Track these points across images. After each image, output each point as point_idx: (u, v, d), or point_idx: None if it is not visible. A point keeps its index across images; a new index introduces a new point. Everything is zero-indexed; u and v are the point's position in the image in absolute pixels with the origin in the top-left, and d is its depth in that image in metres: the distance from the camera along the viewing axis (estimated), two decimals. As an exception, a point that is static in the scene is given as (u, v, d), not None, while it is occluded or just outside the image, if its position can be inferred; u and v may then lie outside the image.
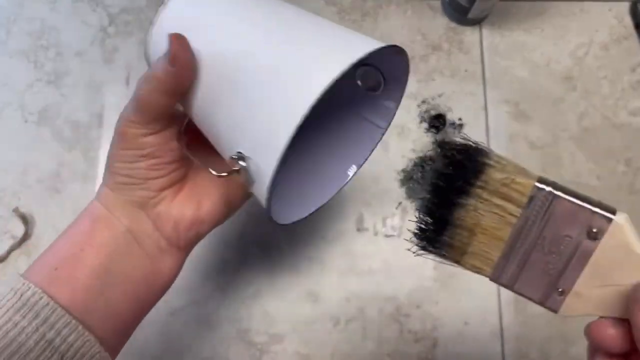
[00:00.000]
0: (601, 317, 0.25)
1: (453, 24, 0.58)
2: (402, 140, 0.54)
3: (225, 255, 0.52)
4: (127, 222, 0.33)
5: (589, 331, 0.25)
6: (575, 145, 0.54)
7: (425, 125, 0.55)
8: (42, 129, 0.55)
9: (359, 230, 0.52)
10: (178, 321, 0.50)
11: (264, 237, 0.52)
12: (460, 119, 0.55)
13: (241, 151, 0.30)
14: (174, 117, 0.33)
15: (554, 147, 0.54)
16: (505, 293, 0.51)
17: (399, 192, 0.53)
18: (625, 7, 0.58)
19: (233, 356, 0.49)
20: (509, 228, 0.24)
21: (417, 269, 0.51)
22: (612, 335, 0.24)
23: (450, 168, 0.24)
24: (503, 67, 0.56)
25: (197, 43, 0.31)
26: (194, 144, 0.34)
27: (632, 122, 0.55)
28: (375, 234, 0.52)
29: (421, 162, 0.54)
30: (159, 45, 0.32)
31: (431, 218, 0.26)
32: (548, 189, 0.24)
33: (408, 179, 0.53)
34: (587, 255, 0.23)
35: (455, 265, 0.26)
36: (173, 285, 0.51)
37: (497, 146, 0.54)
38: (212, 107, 0.31)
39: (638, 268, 0.23)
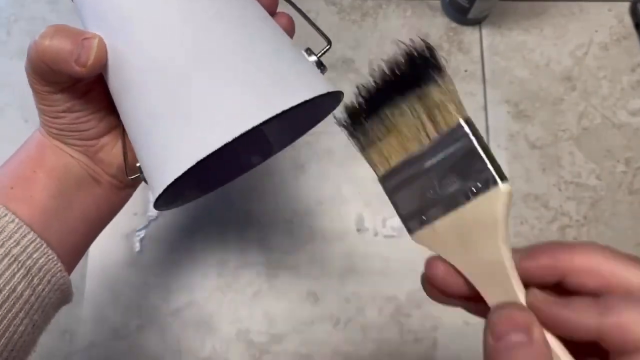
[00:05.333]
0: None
1: (453, 24, 0.58)
2: (402, 140, 0.54)
3: (225, 255, 0.52)
4: (77, 156, 0.32)
5: (432, 264, 0.26)
6: (575, 145, 0.54)
7: (425, 125, 0.55)
8: (42, 129, 0.55)
9: (359, 230, 0.52)
10: (178, 321, 0.50)
11: (264, 237, 0.52)
12: (460, 119, 0.55)
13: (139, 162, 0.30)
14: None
15: (554, 147, 0.54)
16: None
17: (399, 192, 0.53)
18: (625, 7, 0.58)
19: (233, 356, 0.49)
20: (417, 145, 0.25)
21: (417, 269, 0.51)
22: (445, 277, 0.25)
23: (404, 66, 0.25)
24: (503, 67, 0.56)
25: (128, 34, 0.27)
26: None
27: (632, 122, 0.55)
28: (376, 234, 0.52)
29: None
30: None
31: (366, 99, 0.27)
32: (467, 130, 0.24)
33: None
34: (458, 203, 0.24)
35: (358, 151, 0.27)
36: (173, 285, 0.52)
37: (497, 146, 0.54)
38: (121, 100, 0.29)
39: (492, 244, 0.23)
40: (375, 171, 0.27)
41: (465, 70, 0.56)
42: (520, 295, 0.22)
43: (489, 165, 0.23)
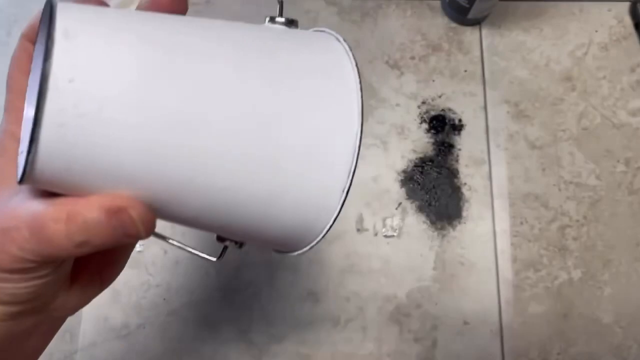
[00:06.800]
0: None
1: (453, 24, 0.58)
2: (402, 140, 0.54)
3: (225, 256, 0.52)
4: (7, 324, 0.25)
5: None
6: (575, 145, 0.54)
7: (425, 125, 0.55)
8: (42, 129, 0.55)
9: (359, 230, 0.52)
10: (178, 321, 0.50)
11: (264, 237, 0.52)
12: (460, 120, 0.55)
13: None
14: None
15: (554, 147, 0.54)
16: (505, 293, 0.51)
17: (399, 192, 0.53)
18: (624, 7, 0.58)
19: (233, 356, 0.50)
20: None
21: (417, 269, 0.51)
22: None
23: None
24: (503, 68, 0.56)
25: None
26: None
27: (632, 122, 0.55)
28: (375, 234, 0.52)
29: (421, 163, 0.54)
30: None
31: None
32: None
33: (408, 179, 0.53)
34: None
35: None
36: (173, 285, 0.52)
37: (497, 146, 0.54)
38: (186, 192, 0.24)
39: None
40: None
41: (465, 71, 0.56)
42: None
43: None
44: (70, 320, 0.50)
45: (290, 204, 0.25)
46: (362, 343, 0.50)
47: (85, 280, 0.28)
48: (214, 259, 0.30)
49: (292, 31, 0.27)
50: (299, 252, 0.28)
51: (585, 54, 0.57)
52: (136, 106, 0.21)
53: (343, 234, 0.52)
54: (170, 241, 0.30)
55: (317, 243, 0.27)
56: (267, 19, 0.27)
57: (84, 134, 0.20)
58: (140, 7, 0.26)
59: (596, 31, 0.58)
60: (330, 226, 0.26)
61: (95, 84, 0.20)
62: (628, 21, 0.58)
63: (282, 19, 0.27)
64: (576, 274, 0.51)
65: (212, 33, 0.24)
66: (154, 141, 0.21)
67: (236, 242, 0.29)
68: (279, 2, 0.28)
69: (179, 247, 0.30)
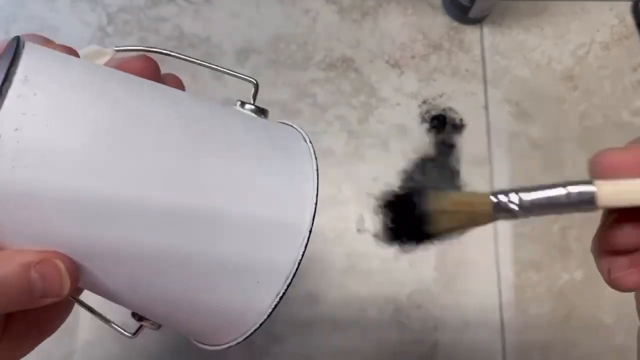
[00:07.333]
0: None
1: (454, 23, 0.57)
2: (403, 140, 0.54)
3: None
4: None
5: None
6: (577, 145, 0.54)
7: (426, 125, 0.55)
8: (41, 129, 0.55)
9: (359, 231, 0.52)
10: (177, 322, 0.50)
11: (264, 237, 0.52)
12: (461, 119, 0.54)
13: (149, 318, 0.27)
14: None
15: (556, 147, 0.54)
16: (507, 294, 0.50)
17: (400, 192, 0.53)
18: (626, 6, 0.58)
19: (233, 356, 0.49)
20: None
21: (418, 270, 0.51)
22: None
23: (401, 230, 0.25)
24: (504, 67, 0.56)
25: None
26: None
27: (634, 122, 0.55)
28: (376, 234, 0.52)
29: (422, 163, 0.53)
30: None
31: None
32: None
33: (409, 179, 0.53)
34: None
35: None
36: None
37: (498, 146, 0.54)
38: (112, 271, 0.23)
39: None
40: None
41: (466, 70, 0.56)
42: None
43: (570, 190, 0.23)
44: (68, 320, 0.50)
45: (218, 301, 0.25)
46: (362, 343, 0.50)
47: (19, 332, 0.25)
48: (130, 335, 0.29)
49: (257, 123, 0.26)
50: (218, 347, 0.28)
51: (587, 53, 0.57)
52: (78, 169, 0.20)
53: (343, 234, 0.52)
54: (84, 303, 0.28)
55: (238, 343, 0.26)
56: (239, 103, 0.27)
57: (16, 185, 0.19)
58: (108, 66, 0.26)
59: (598, 30, 0.58)
60: (258, 328, 0.25)
61: (43, 138, 0.19)
62: (629, 20, 0.58)
63: (252, 106, 0.27)
64: (578, 275, 0.51)
65: (174, 113, 0.23)
66: (90, 207, 0.20)
67: (153, 323, 0.28)
68: (254, 85, 0.28)
69: (96, 315, 0.29)
